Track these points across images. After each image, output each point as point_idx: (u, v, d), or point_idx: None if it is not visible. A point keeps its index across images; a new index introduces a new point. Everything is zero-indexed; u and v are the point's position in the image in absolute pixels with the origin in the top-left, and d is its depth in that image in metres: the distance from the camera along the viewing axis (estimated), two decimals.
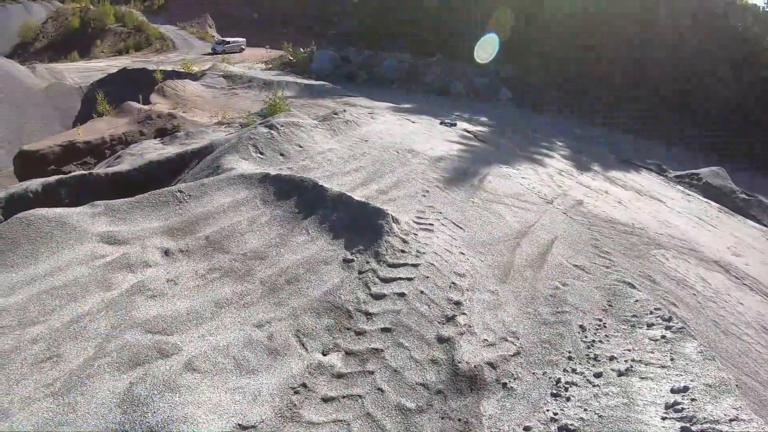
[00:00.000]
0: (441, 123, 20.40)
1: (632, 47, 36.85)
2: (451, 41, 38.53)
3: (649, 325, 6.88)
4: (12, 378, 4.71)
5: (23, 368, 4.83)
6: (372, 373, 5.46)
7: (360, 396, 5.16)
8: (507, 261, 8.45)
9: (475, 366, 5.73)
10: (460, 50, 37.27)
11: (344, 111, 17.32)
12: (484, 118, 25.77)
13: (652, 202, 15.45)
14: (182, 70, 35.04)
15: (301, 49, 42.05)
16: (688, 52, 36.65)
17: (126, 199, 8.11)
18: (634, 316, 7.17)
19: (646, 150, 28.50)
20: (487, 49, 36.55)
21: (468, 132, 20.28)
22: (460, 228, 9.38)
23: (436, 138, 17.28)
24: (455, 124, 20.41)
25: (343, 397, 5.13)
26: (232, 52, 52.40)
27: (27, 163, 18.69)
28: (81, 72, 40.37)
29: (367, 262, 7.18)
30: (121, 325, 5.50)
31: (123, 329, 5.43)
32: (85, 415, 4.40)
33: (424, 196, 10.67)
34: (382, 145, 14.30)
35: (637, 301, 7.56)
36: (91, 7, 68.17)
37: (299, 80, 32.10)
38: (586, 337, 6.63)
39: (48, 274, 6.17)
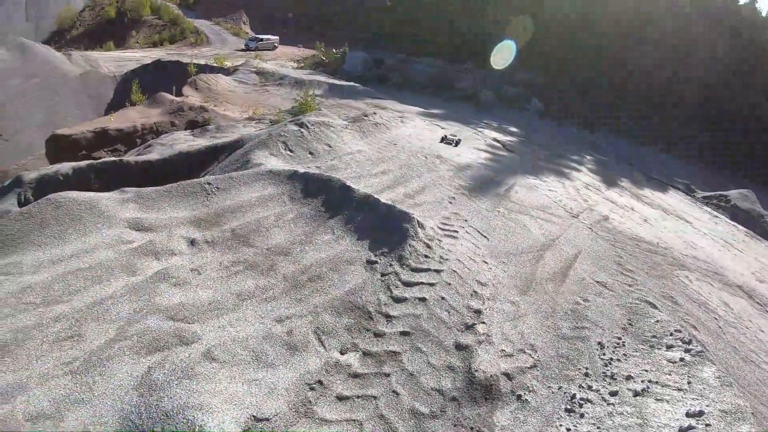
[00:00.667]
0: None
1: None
2: (481, 49, 38.36)
3: (669, 347, 6.81)
4: (32, 354, 4.80)
5: (44, 345, 4.92)
6: (388, 375, 5.47)
7: (375, 397, 5.17)
8: (529, 273, 8.41)
9: (491, 376, 5.71)
10: (489, 58, 37.15)
11: (374, 113, 17.40)
12: (512, 128, 25.66)
13: (678, 222, 15.27)
14: (215, 65, 35.36)
15: (334, 50, 42.16)
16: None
17: (155, 188, 8.21)
18: (653, 336, 7.09)
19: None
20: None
21: (497, 141, 20.23)
22: (485, 237, 9.36)
23: (463, 145, 17.26)
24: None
25: (358, 396, 5.15)
26: (265, 49, 52.70)
27: (59, 147, 18.99)
28: (116, 61, 40.85)
29: (391, 265, 7.19)
30: (143, 309, 5.57)
31: (145, 314, 5.50)
32: (101, 395, 4.47)
33: (450, 202, 10.67)
34: (411, 149, 14.34)
35: (657, 321, 7.48)
36: None
37: (330, 80, 32.11)
38: (604, 354, 6.57)
39: (74, 256, 6.27)
